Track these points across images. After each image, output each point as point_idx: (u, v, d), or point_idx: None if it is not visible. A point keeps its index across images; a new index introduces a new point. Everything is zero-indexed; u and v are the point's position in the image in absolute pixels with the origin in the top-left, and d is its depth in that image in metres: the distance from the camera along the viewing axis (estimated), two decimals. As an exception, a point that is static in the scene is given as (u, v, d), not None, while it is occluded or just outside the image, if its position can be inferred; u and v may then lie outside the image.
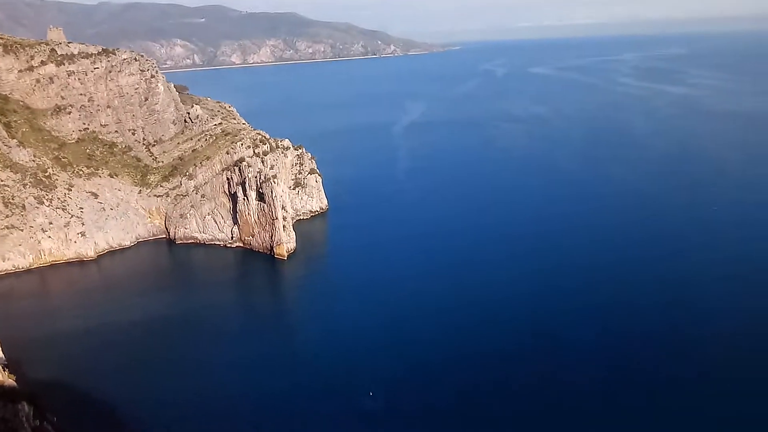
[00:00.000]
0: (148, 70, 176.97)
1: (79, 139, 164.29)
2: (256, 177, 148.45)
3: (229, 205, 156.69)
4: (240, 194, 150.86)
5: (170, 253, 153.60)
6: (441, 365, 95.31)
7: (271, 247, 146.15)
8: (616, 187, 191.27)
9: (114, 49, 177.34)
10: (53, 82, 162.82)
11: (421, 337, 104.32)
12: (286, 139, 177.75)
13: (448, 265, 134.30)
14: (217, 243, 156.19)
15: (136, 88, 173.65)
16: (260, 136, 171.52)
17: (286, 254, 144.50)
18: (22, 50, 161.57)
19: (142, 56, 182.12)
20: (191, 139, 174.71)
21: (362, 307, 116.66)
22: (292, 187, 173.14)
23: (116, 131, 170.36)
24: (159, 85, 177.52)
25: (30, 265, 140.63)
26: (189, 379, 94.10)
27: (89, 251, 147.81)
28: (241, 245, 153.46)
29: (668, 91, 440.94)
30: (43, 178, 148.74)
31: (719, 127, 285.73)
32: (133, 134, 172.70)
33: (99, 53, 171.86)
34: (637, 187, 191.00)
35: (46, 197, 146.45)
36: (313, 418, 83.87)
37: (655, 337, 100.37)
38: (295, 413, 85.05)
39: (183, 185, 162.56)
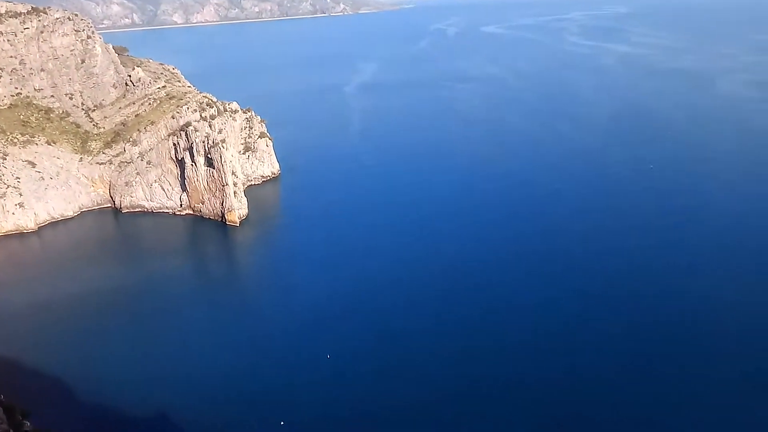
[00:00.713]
0: (84, 30, 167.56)
1: (11, 104, 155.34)
2: (203, 142, 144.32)
3: (176, 171, 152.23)
4: (188, 160, 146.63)
5: (117, 222, 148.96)
6: (397, 327, 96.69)
7: (223, 214, 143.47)
8: (564, 144, 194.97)
9: (45, 8, 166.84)
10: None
11: (377, 299, 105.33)
12: (234, 102, 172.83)
13: (403, 227, 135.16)
14: (166, 211, 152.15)
15: (71, 50, 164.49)
16: (207, 100, 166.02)
17: (238, 221, 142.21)
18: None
19: (77, 15, 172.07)
20: (134, 104, 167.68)
21: (317, 271, 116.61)
22: (242, 152, 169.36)
23: (52, 96, 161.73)
24: (96, 46, 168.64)
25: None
26: (144, 350, 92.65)
27: (29, 223, 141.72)
28: (191, 212, 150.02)
29: (614, 50, 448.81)
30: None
31: (660, 85, 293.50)
32: (71, 99, 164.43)
33: (29, 12, 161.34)
34: (584, 143, 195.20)
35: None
36: (271, 383, 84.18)
37: (588, 293, 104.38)
38: (254, 380, 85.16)
39: (127, 152, 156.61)
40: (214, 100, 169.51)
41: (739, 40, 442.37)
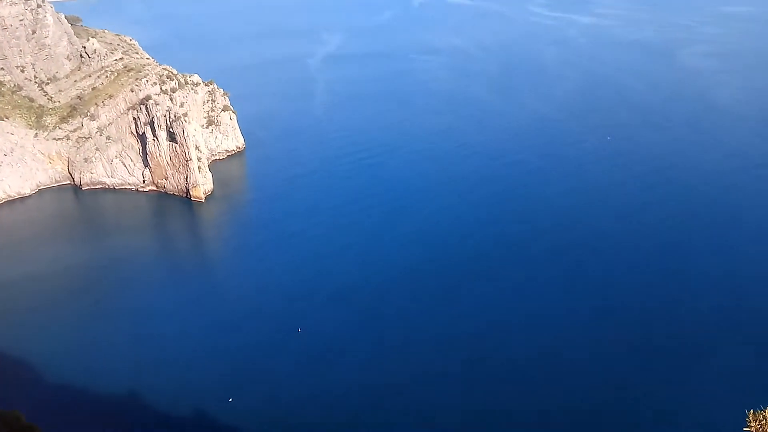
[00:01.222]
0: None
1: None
2: (165, 116, 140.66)
3: (138, 146, 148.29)
4: (149, 135, 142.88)
5: (77, 200, 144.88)
6: (367, 301, 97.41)
7: (187, 190, 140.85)
8: (527, 115, 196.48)
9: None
10: None
11: (346, 273, 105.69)
12: (196, 75, 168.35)
13: (370, 198, 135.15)
14: (128, 187, 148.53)
15: (20, 20, 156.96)
16: (167, 72, 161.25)
17: (203, 196, 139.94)
18: None
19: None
20: (90, 76, 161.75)
21: (285, 246, 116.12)
22: (205, 126, 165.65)
23: (2, 69, 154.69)
24: (47, 16, 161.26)
25: None
26: (109, 331, 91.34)
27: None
28: (155, 189, 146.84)
29: (577, 21, 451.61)
30: None
31: (622, 56, 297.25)
32: (23, 72, 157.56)
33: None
34: (546, 115, 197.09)
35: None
36: (241, 358, 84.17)
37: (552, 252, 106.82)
38: (224, 355, 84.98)
39: (85, 127, 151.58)
40: (175, 72, 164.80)
41: (699, 12, 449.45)
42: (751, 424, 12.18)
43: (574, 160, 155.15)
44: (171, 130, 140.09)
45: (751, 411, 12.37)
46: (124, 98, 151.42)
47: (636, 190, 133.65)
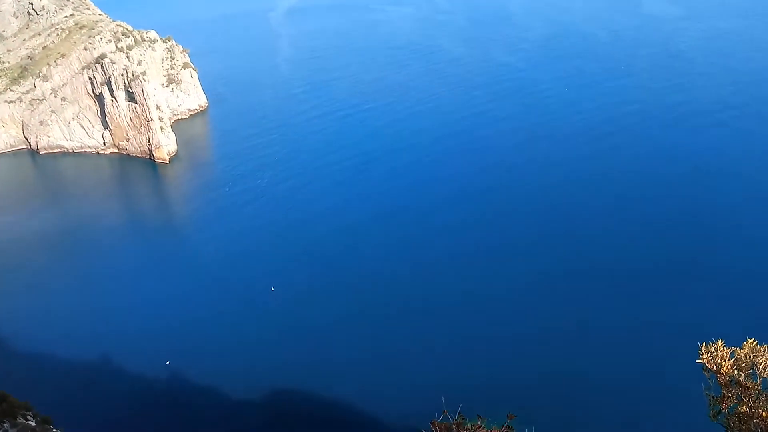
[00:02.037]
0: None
1: None
2: (122, 75, 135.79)
3: (96, 107, 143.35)
4: (107, 95, 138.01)
5: (34, 165, 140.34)
6: (336, 253, 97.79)
7: (150, 151, 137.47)
8: (493, 66, 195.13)
9: None
10: None
11: (316, 227, 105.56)
12: (152, 31, 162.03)
13: (337, 153, 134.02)
14: (89, 150, 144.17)
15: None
16: (122, 29, 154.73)
17: (167, 157, 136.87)
18: None
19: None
20: (39, 35, 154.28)
21: (253, 204, 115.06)
22: (165, 85, 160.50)
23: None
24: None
25: None
26: (76, 296, 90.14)
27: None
28: (116, 151, 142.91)
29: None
30: None
31: (589, 5, 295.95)
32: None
33: None
34: (512, 65, 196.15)
35: None
36: (212, 320, 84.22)
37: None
38: (195, 317, 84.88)
39: (38, 88, 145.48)
40: (130, 29, 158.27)
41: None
42: (704, 356, 12.73)
43: (536, 109, 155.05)
44: (130, 89, 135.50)
45: (703, 344, 12.89)
46: (77, 57, 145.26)
47: (590, 139, 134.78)
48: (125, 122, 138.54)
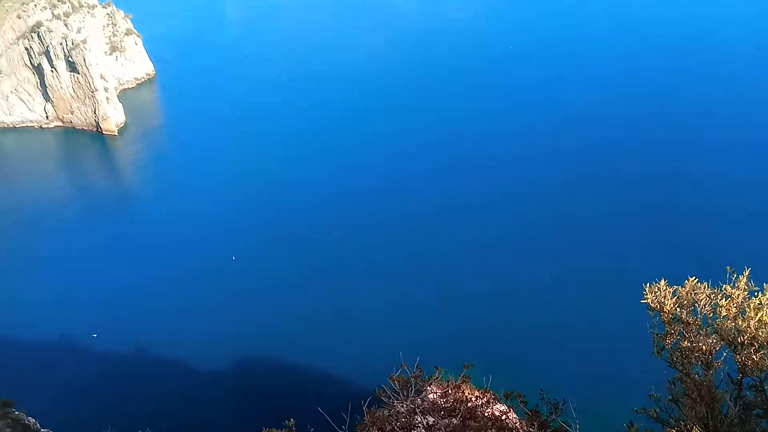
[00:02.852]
0: None
1: None
2: (62, 44, 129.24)
3: (35, 79, 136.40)
4: (46, 66, 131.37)
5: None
6: (293, 217, 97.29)
7: (97, 123, 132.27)
8: (441, 21, 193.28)
9: None
10: None
11: (273, 192, 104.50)
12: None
13: (292, 112, 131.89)
14: (31, 125, 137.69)
15: None
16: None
17: (116, 129, 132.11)
18: None
19: None
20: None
21: (208, 172, 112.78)
22: (108, 53, 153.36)
23: None
24: None
25: None
26: (26, 279, 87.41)
27: None
28: (61, 124, 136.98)
29: None
30: None
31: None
32: None
33: None
34: (460, 19, 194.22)
35: None
36: (172, 293, 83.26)
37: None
38: (154, 292, 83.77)
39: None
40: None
41: None
42: (648, 296, 13.12)
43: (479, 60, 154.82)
44: (70, 59, 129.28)
45: (647, 284, 13.25)
46: (11, 26, 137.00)
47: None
48: (68, 94, 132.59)
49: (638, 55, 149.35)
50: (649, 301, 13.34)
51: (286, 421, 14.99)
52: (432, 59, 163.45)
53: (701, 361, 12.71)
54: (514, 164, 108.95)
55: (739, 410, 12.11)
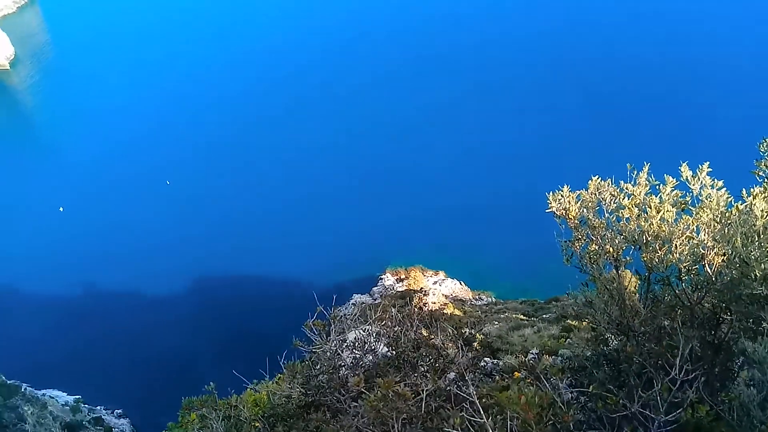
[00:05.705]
0: None
1: None
2: None
3: None
4: None
5: None
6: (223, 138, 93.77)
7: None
8: None
9: None
10: None
11: (194, 96, 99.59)
12: None
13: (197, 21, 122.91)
14: None
15: None
16: None
17: (7, 62, 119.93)
18: None
19: None
20: None
21: (119, 94, 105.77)
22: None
23: None
24: None
25: None
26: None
27: None
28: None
29: None
30: None
31: None
32: None
33: None
34: None
35: None
36: (108, 227, 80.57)
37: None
38: (84, 231, 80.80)
39: None
40: None
41: None
42: (552, 205, 12.53)
43: None
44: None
45: (550, 192, 12.65)
46: None
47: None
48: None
49: None
50: (554, 209, 12.80)
51: (206, 386, 14.42)
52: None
53: (610, 262, 12.47)
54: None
55: (648, 306, 12.07)
